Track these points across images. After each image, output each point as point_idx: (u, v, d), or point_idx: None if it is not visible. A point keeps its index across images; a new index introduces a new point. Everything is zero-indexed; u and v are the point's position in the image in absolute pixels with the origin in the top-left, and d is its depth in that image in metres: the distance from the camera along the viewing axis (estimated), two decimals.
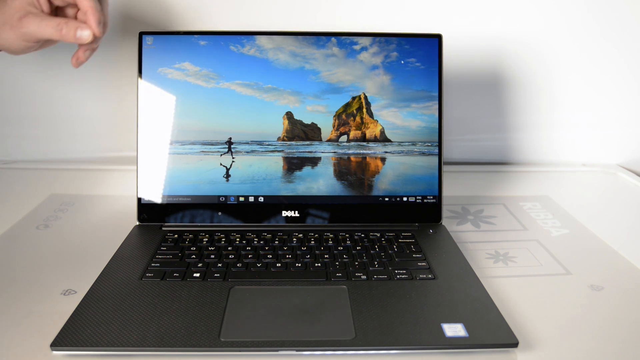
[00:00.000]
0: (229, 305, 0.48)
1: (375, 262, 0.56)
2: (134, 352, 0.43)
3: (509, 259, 0.61)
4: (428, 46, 0.65)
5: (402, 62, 0.65)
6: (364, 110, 0.66)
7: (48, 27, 0.55)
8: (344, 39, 0.65)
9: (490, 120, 0.91)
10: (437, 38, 0.65)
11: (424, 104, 0.65)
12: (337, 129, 0.66)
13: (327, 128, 0.66)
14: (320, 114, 0.66)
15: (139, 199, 0.64)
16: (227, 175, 0.65)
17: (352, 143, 0.67)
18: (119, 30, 0.83)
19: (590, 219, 0.71)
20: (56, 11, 0.59)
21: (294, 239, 0.61)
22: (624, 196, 0.81)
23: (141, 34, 0.64)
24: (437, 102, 0.65)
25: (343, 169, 0.66)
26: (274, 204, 0.64)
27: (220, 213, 0.64)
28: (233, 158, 0.65)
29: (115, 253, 0.57)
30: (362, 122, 0.66)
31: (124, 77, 0.85)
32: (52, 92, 0.87)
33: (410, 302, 0.49)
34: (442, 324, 0.45)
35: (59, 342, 0.43)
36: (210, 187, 0.64)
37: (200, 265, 0.55)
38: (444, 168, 0.66)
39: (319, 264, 0.56)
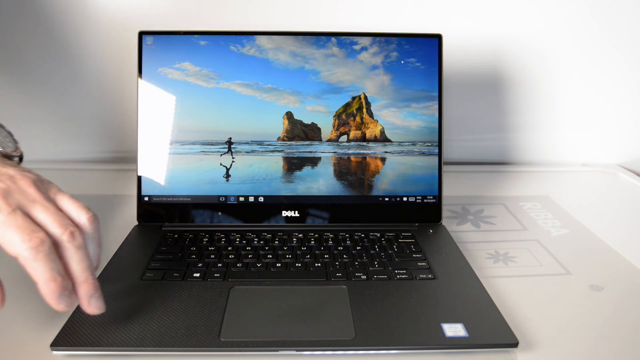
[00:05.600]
0: (229, 305, 0.48)
1: (375, 262, 0.56)
2: (134, 352, 0.43)
3: (509, 259, 0.61)
4: (428, 46, 0.65)
5: (402, 62, 0.65)
6: (364, 110, 0.66)
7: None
8: (344, 39, 0.65)
9: (490, 120, 0.91)
10: (437, 38, 0.65)
11: (424, 104, 0.65)
12: (337, 129, 0.66)
13: (327, 128, 0.66)
14: (320, 114, 0.66)
15: (139, 199, 0.64)
16: (227, 175, 0.65)
17: (352, 143, 0.67)
18: (119, 30, 0.83)
19: (590, 219, 0.71)
20: None
21: (294, 239, 0.61)
22: (624, 196, 0.81)
23: (141, 34, 0.64)
24: (437, 102, 0.65)
25: (343, 169, 0.66)
26: (274, 204, 0.64)
27: (220, 213, 0.64)
28: (233, 158, 0.65)
29: (115, 253, 0.57)
30: (362, 122, 0.66)
31: (124, 77, 0.85)
32: (52, 92, 0.87)
33: (410, 302, 0.49)
34: (442, 324, 0.45)
35: (59, 342, 0.43)
36: (210, 187, 0.64)
37: (200, 265, 0.55)
38: (444, 168, 0.66)
39: (319, 264, 0.56)
